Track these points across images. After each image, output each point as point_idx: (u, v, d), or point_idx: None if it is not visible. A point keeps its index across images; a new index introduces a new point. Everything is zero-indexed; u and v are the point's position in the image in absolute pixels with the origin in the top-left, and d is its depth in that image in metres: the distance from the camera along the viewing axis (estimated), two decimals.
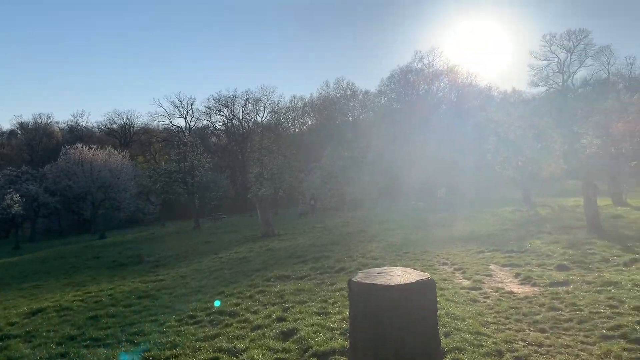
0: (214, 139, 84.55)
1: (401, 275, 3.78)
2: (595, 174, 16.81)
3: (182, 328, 7.42)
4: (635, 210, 21.59)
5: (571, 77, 73.82)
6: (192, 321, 7.85)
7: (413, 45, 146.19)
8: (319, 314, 7.40)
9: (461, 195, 44.46)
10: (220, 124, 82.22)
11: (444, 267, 11.28)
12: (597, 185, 16.58)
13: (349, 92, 79.47)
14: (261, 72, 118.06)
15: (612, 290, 7.58)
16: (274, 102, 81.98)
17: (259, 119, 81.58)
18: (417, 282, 3.61)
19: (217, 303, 8.79)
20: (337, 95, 79.98)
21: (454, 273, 10.43)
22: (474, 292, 8.44)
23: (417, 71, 72.78)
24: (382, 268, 4.09)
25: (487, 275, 9.86)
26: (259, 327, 7.02)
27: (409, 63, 74.19)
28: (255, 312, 7.98)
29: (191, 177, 41.85)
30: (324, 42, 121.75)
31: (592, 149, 27.68)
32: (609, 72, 71.27)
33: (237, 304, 8.66)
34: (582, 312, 6.59)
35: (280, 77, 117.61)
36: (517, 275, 9.69)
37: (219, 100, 78.75)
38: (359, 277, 3.83)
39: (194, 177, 41.98)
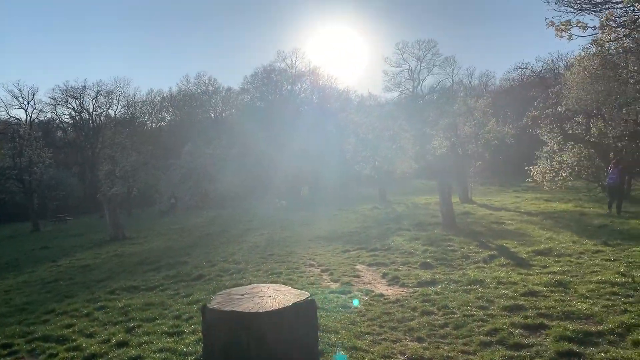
0: (60, 133, 76.44)
1: (273, 296, 2.93)
2: (445, 173, 17.66)
3: None
4: (480, 208, 23.15)
5: (420, 84, 79.12)
6: (5, 352, 6.24)
7: (276, 45, 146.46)
8: (170, 334, 6.28)
9: (323, 193, 45.13)
10: (68, 117, 74.57)
11: (311, 268, 10.69)
12: (451, 185, 17.29)
13: (210, 88, 76.83)
14: (114, 63, 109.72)
15: (480, 290, 7.48)
16: (129, 95, 76.49)
17: (111, 112, 75.52)
18: (295, 305, 2.78)
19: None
20: (199, 90, 76.93)
21: (322, 275, 9.87)
22: (343, 296, 7.89)
23: (280, 71, 72.76)
24: (249, 287, 3.20)
25: (355, 277, 9.43)
26: (92, 356, 5.71)
27: (272, 62, 73.93)
28: (91, 336, 6.59)
29: (29, 175, 37.09)
30: (184, 36, 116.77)
31: (442, 150, 29.41)
32: (452, 81, 77.67)
33: (69, 326, 7.16)
34: (455, 316, 6.30)
35: (136, 69, 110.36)
36: (384, 275, 9.38)
37: (66, 91, 71.19)
38: (218, 301, 2.90)
39: (32, 174, 37.27)
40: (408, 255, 11.34)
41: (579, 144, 23.06)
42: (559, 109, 22.76)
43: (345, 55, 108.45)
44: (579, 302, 6.41)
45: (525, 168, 24.71)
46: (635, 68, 21.09)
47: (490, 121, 29.14)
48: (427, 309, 6.70)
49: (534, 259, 9.61)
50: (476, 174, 29.37)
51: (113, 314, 7.68)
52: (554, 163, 23.64)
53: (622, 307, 6.07)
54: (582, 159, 23.23)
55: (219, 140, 53.75)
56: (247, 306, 2.74)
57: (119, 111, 75.69)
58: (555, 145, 23.47)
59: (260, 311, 2.66)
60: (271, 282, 9.15)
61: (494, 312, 6.29)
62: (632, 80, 20.75)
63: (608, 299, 6.47)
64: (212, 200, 45.46)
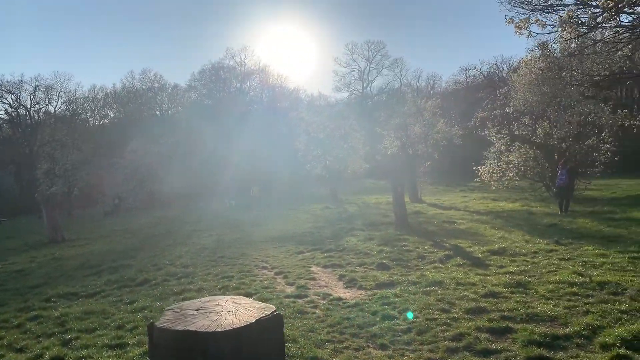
0: None
1: (233, 311, 2.53)
2: (398, 173, 17.50)
3: None
4: (430, 207, 23.34)
5: (370, 85, 79.60)
6: None
7: (225, 43, 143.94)
8: (112, 347, 5.72)
9: (274, 193, 44.56)
10: (3, 112, 70.36)
11: (264, 271, 10.26)
12: (404, 184, 17.23)
13: (156, 85, 74.55)
14: (54, 58, 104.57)
15: (439, 291, 7.30)
16: (70, 90, 72.94)
17: (51, 108, 71.88)
18: (259, 322, 2.39)
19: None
20: (144, 87, 74.58)
21: (276, 278, 9.46)
22: (300, 301, 7.52)
23: (229, 68, 71.64)
24: (204, 300, 2.78)
25: (310, 279, 9.09)
26: None
27: (220, 59, 72.62)
28: (21, 350, 5.95)
29: None
30: (129, 30, 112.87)
31: (393, 149, 29.51)
32: (401, 82, 78.57)
33: None
34: (418, 320, 6.06)
35: (78, 64, 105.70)
36: (341, 277, 9.09)
37: (1, 85, 67.22)
38: (168, 318, 2.47)
39: None
40: (364, 256, 11.10)
41: (525, 145, 23.61)
42: (507, 109, 23.21)
43: (295, 55, 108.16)
44: (540, 303, 6.31)
45: (474, 168, 25.10)
46: (579, 71, 21.77)
47: (439, 122, 29.49)
48: (388, 313, 6.42)
49: (489, 259, 9.56)
50: (425, 174, 29.60)
51: (48, 324, 7.01)
52: (501, 163, 24.10)
53: (584, 308, 6.00)
54: (528, 159, 23.80)
55: (166, 139, 52.26)
56: (203, 324, 2.33)
57: (59, 107, 72.14)
58: (502, 146, 23.93)
59: (219, 330, 2.26)
60: (222, 287, 8.69)
61: (456, 315, 6.09)
62: (575, 83, 21.40)
63: (569, 300, 6.40)
64: (158, 201, 44.10)
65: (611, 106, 22.19)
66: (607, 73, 21.36)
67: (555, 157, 22.60)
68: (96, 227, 26.97)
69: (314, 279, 9.15)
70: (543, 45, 23.88)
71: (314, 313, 6.75)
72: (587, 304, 6.17)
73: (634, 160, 36.81)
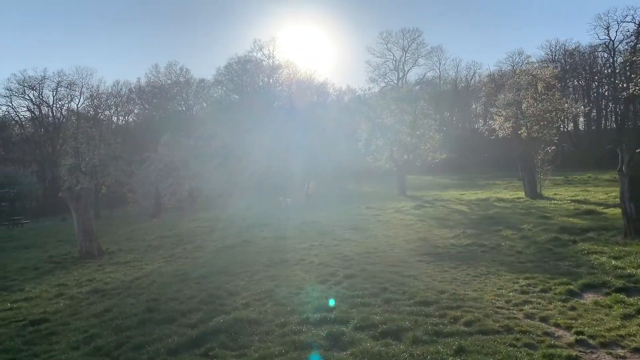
0: (17, 128, 67.00)
1: None
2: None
3: None
4: (580, 204, 17.37)
5: (405, 76, 72.93)
6: None
7: (251, 35, 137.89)
8: None
9: (327, 189, 38.68)
10: (25, 109, 65.36)
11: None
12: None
13: (182, 79, 69.32)
14: (77, 52, 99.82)
15: None
16: (93, 86, 67.64)
17: (74, 105, 66.67)
18: None
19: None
20: (169, 81, 69.42)
21: None
22: None
23: (257, 61, 66.03)
24: None
25: None
26: None
27: (248, 52, 67.07)
28: None
29: None
30: (153, 23, 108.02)
31: (505, 131, 23.17)
32: (439, 72, 71.95)
33: None
34: None
35: (100, 58, 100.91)
36: None
37: (24, 81, 61.95)
38: None
39: None
40: None
41: None
42: None
43: (323, 46, 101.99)
44: None
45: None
46: None
47: (554, 96, 23.07)
48: None
49: None
50: (546, 162, 22.81)
51: None
52: None
53: None
54: None
55: (200, 132, 47.22)
56: None
57: (82, 103, 66.93)
58: None
59: None
60: None
61: None
62: None
63: None
64: (197, 199, 38.52)
65: None
66: None
67: None
68: (135, 233, 21.35)
69: None
70: None
71: None
72: None
73: None
